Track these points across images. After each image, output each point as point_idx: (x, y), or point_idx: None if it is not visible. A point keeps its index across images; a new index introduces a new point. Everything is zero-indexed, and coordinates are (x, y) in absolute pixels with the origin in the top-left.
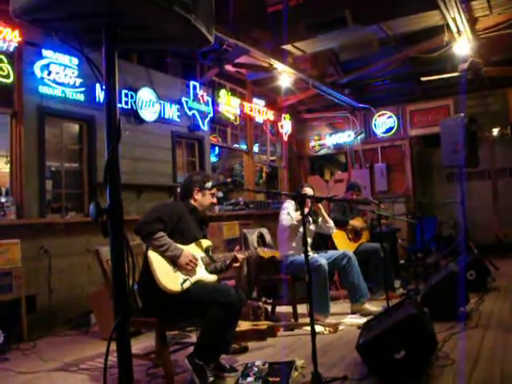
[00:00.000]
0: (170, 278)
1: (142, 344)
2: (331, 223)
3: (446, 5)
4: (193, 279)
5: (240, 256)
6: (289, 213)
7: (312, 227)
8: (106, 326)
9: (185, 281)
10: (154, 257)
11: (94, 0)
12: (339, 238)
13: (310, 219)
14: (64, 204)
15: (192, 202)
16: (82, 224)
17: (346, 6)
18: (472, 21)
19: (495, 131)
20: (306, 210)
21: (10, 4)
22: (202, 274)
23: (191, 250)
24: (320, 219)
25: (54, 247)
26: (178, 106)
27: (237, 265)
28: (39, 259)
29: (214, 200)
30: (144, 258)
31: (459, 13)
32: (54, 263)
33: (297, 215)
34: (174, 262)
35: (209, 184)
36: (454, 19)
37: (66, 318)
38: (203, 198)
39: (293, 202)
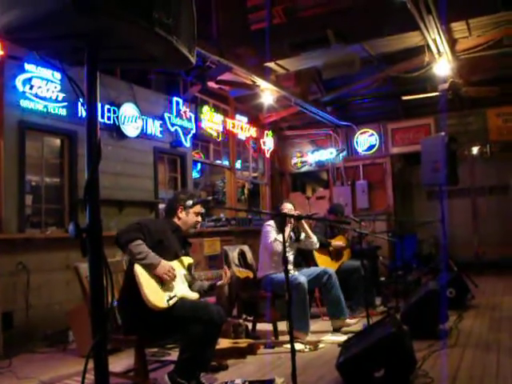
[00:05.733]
0: (156, 294)
1: (121, 361)
2: (314, 239)
3: (427, 26)
4: (178, 296)
5: (228, 273)
6: (276, 238)
7: (294, 243)
8: (84, 344)
9: (171, 298)
10: (140, 272)
11: (76, 21)
12: (321, 257)
13: (293, 236)
14: (44, 219)
15: (176, 220)
16: (62, 240)
17: (329, 26)
18: (452, 42)
19: (475, 150)
20: (289, 228)
21: None
22: (186, 292)
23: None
24: (303, 235)
25: (32, 263)
26: (160, 122)
27: (223, 282)
28: (17, 275)
29: (199, 219)
30: (127, 274)
31: (439, 34)
32: (33, 279)
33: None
34: (151, 271)
35: (189, 202)
36: (434, 40)
37: (44, 334)
38: (187, 217)
39: (272, 222)
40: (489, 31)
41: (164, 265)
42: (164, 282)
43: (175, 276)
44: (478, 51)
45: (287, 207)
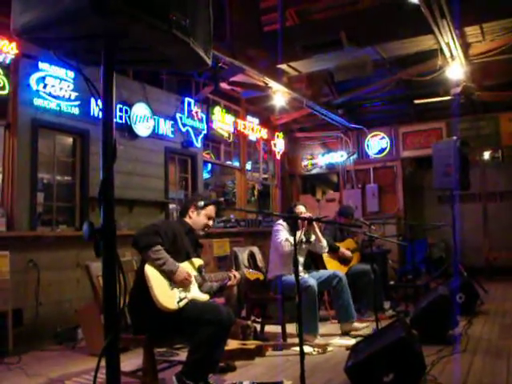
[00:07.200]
0: (166, 296)
1: (130, 361)
2: (324, 242)
3: (440, 30)
4: (189, 298)
5: (237, 275)
6: (287, 238)
7: (304, 246)
8: (93, 342)
9: (181, 299)
10: (151, 273)
11: (94, 22)
12: (331, 261)
13: (303, 238)
14: (55, 217)
15: (187, 219)
16: (73, 238)
17: (342, 28)
18: (465, 46)
19: (486, 155)
20: (300, 232)
21: (10, 21)
22: (196, 293)
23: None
24: (313, 237)
25: (43, 260)
26: (172, 122)
27: (232, 283)
28: (28, 272)
29: (210, 222)
30: (138, 275)
31: (453, 38)
32: (43, 277)
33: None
34: (169, 277)
35: (201, 203)
36: (447, 44)
37: (53, 332)
38: (197, 218)
39: (283, 221)
40: (502, 36)
41: (182, 271)
42: (175, 284)
43: (191, 282)
44: (491, 56)
45: (301, 209)
